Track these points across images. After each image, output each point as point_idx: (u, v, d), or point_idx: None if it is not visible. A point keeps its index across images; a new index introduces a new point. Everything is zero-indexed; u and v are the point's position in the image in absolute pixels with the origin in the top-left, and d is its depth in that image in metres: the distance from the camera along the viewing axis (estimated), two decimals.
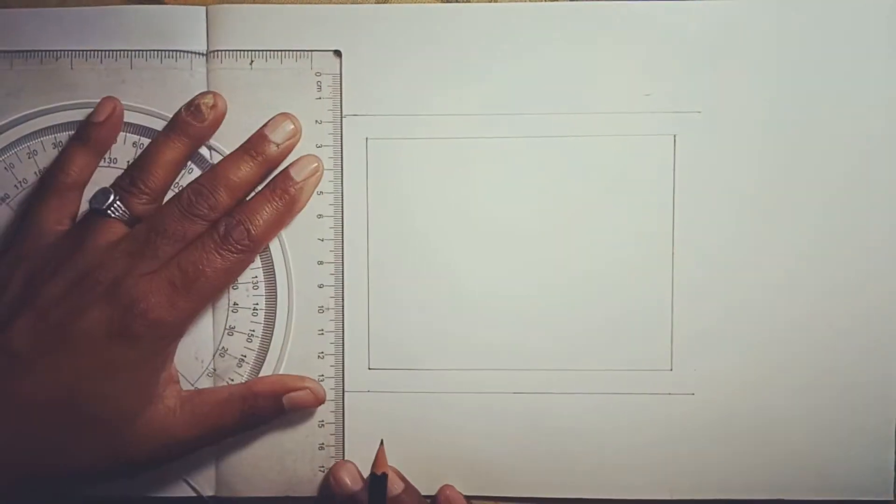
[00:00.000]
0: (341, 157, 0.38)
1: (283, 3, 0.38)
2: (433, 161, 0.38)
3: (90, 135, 0.37)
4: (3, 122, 0.38)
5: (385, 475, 0.36)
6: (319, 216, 0.39)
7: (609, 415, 0.39)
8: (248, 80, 0.38)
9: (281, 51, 0.38)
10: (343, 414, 0.39)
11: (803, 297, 0.39)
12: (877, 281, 0.38)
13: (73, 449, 0.33)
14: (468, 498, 0.38)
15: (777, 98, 0.38)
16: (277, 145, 0.37)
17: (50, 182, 0.37)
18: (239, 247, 0.35)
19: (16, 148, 0.38)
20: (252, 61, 0.38)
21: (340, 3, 0.38)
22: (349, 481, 0.37)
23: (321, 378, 0.39)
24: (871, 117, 0.38)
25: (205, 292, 0.35)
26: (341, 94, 0.38)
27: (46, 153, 0.38)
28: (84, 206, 0.37)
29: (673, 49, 0.38)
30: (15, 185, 0.38)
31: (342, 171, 0.39)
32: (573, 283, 0.39)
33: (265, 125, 0.38)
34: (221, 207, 0.36)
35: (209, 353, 0.39)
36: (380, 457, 0.36)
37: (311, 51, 0.38)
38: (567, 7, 0.38)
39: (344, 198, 0.39)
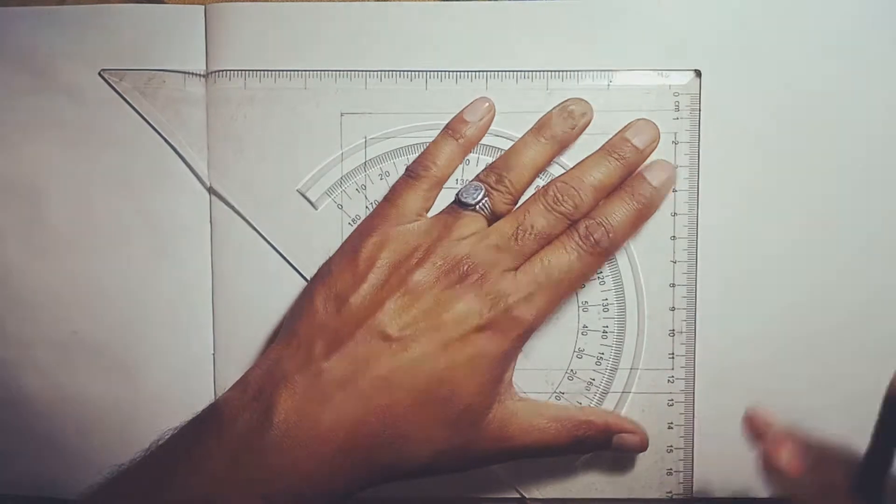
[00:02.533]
0: (697, 179, 0.38)
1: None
2: None
3: (463, 132, 0.37)
4: (357, 142, 0.38)
5: None
6: (673, 237, 0.38)
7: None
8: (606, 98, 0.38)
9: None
10: (693, 439, 0.38)
11: (804, 295, 0.38)
12: (878, 278, 0.38)
13: (424, 436, 0.33)
14: None
15: (781, 95, 0.37)
16: (640, 150, 0.36)
17: (421, 172, 0.37)
18: (599, 249, 0.35)
19: (368, 169, 0.38)
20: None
21: None
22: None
23: (670, 403, 0.38)
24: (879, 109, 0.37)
25: (562, 293, 0.35)
26: (700, 113, 0.37)
27: (399, 174, 0.38)
28: (443, 197, 0.38)
29: (673, 49, 0.37)
30: (367, 207, 0.38)
31: (698, 192, 0.38)
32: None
33: (626, 128, 0.37)
34: (585, 207, 0.35)
35: (559, 376, 0.38)
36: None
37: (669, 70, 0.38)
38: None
39: (699, 219, 0.38)
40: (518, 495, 0.39)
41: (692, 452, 0.38)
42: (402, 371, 0.32)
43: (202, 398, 0.38)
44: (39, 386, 0.40)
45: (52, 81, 0.39)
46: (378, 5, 0.38)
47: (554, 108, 0.37)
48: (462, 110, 0.38)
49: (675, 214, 0.38)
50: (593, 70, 0.38)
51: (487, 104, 0.38)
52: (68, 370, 0.40)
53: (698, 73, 0.37)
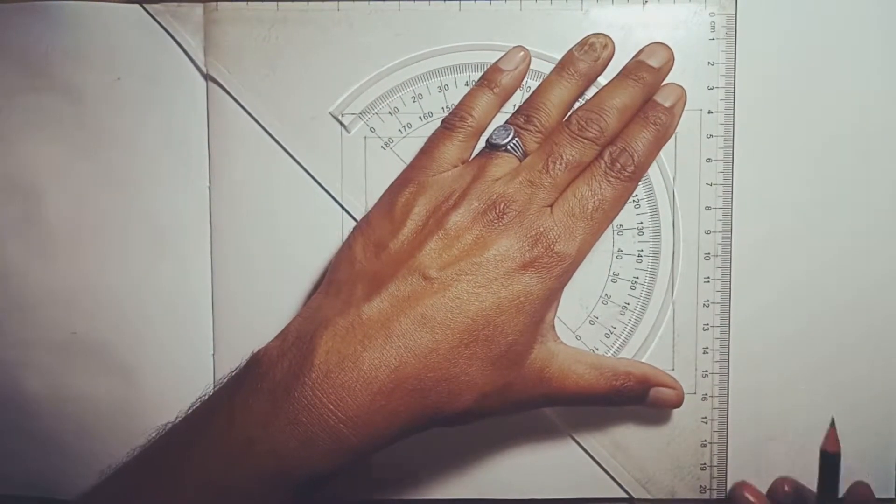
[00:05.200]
0: (733, 100, 0.37)
1: None
2: None
3: (499, 81, 0.37)
4: (390, 65, 0.38)
5: (838, 454, 0.36)
6: (708, 160, 0.38)
7: (609, 414, 0.38)
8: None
9: None
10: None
11: (803, 296, 0.38)
12: (876, 281, 0.38)
13: (468, 378, 0.32)
14: None
15: (779, 94, 0.37)
16: (656, 69, 0.36)
17: (457, 123, 0.36)
18: (626, 173, 0.34)
19: (401, 92, 0.38)
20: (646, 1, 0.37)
21: None
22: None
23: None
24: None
25: (599, 224, 0.34)
26: (736, 33, 0.37)
27: (432, 97, 0.38)
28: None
29: (675, 48, 0.37)
30: (399, 130, 0.38)
31: (734, 114, 0.37)
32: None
33: (640, 52, 0.37)
34: (611, 131, 0.35)
35: (593, 300, 0.38)
36: (832, 435, 0.37)
37: None
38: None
39: (735, 143, 0.37)
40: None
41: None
42: (444, 310, 0.32)
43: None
44: (39, 386, 0.40)
45: (52, 81, 0.39)
46: None
47: (574, 45, 0.37)
48: (497, 60, 0.37)
49: (710, 136, 0.37)
50: None
51: (522, 53, 0.37)
52: (68, 370, 0.40)
53: None
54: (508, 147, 0.35)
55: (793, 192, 0.38)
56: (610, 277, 0.38)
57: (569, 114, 0.36)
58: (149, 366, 0.39)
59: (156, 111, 0.39)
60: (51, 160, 0.39)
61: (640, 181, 0.37)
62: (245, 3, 0.38)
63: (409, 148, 0.38)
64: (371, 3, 0.38)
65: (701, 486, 0.38)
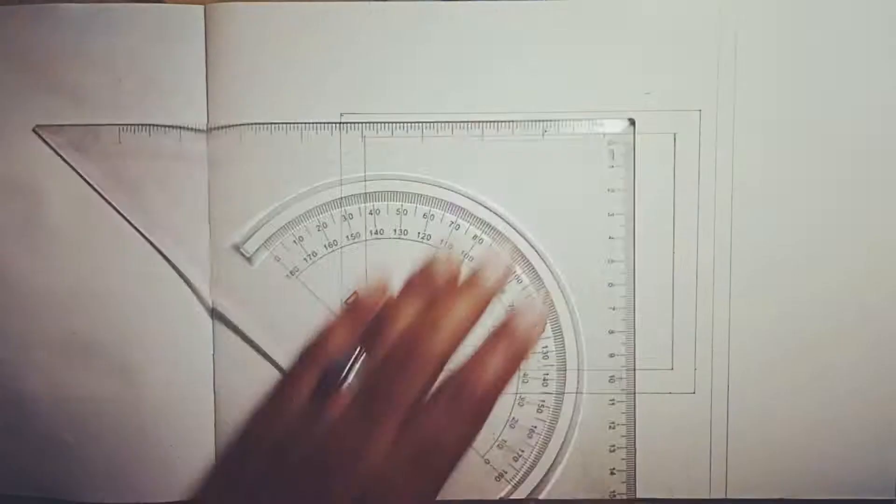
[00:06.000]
0: (633, 225, 0.38)
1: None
2: None
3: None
4: (300, 192, 0.38)
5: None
6: (610, 284, 0.38)
7: (609, 413, 0.39)
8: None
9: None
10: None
11: (803, 295, 0.38)
12: (878, 279, 0.38)
13: None
14: None
15: (779, 95, 0.38)
16: None
17: None
18: None
19: (305, 221, 0.38)
20: None
21: None
22: None
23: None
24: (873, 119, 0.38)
25: None
26: (635, 161, 0.38)
27: (336, 225, 0.38)
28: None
29: (673, 47, 0.38)
30: (304, 259, 0.38)
31: (634, 239, 0.38)
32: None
33: None
34: None
35: (500, 424, 0.38)
36: None
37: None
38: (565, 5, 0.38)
39: (636, 266, 0.38)
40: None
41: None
42: None
43: (202, 398, 0.39)
44: (39, 386, 0.40)
45: (52, 81, 0.39)
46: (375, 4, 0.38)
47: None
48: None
49: (611, 262, 0.38)
50: (527, 120, 0.38)
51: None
52: (68, 370, 0.39)
53: (632, 122, 0.38)
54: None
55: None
56: (517, 401, 0.38)
57: None
58: (149, 366, 0.39)
59: (156, 111, 0.39)
60: (51, 160, 0.39)
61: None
62: (245, 4, 0.38)
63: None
64: (371, 4, 0.38)
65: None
